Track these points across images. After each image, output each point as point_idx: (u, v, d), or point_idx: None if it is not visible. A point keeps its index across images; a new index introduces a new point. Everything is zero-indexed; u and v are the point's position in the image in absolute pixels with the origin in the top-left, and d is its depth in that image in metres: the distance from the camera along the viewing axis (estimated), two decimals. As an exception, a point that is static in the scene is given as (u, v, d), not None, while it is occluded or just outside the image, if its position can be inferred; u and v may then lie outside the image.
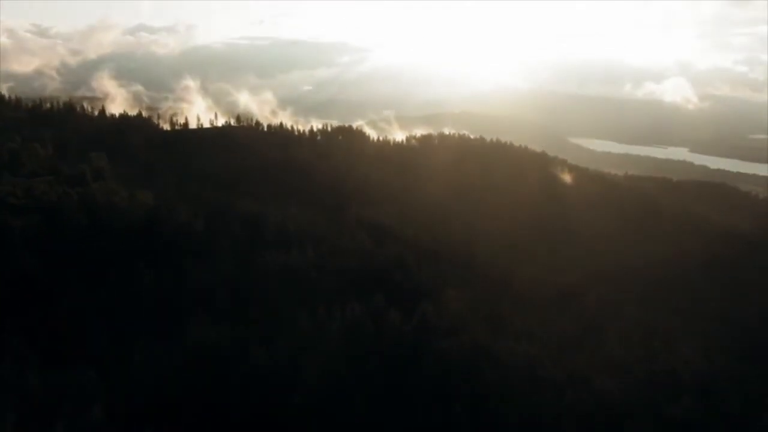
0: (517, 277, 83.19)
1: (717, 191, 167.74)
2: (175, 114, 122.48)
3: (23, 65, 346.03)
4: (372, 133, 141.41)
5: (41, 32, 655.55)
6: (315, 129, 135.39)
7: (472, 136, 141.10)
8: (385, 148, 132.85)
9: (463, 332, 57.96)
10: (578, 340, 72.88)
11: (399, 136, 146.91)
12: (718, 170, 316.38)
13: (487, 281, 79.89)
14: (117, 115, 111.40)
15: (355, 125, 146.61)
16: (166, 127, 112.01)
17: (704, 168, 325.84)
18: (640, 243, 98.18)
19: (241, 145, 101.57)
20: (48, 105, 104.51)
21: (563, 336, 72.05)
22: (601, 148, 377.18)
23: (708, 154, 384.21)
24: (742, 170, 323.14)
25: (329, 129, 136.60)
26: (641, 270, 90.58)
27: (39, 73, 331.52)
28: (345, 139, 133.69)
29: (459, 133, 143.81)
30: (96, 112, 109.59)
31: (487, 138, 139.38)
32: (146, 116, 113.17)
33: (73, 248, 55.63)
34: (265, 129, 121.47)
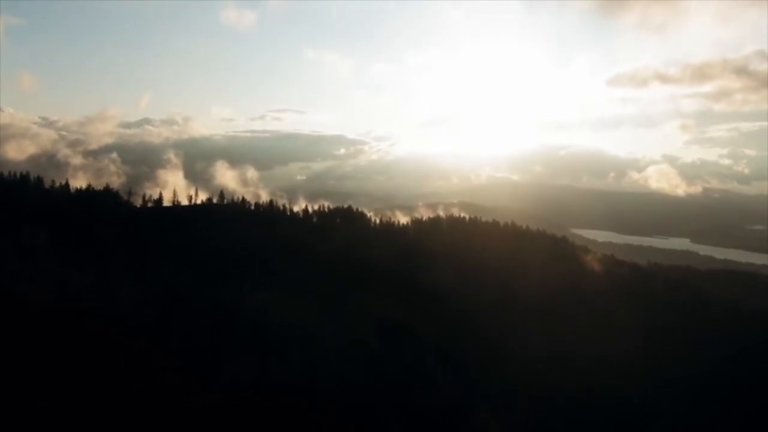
0: (563, 388, 64.95)
1: (749, 281, 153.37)
2: (148, 190, 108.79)
3: (18, 153, 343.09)
4: (372, 216, 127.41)
5: (47, 124, 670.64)
6: (310, 210, 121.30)
7: (483, 219, 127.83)
8: (389, 230, 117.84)
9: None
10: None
11: (402, 219, 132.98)
12: (726, 260, 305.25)
13: (527, 395, 61.77)
14: (81, 188, 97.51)
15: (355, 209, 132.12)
16: (137, 203, 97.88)
17: (711, 258, 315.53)
18: (699, 339, 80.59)
19: (220, 223, 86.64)
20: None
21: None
22: (603, 238, 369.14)
23: (710, 244, 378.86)
24: (749, 260, 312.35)
25: (326, 210, 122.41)
26: (709, 373, 72.49)
27: (31, 160, 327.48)
28: (343, 221, 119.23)
29: (471, 216, 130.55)
30: (57, 185, 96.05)
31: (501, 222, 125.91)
32: (114, 190, 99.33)
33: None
34: (252, 207, 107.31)
